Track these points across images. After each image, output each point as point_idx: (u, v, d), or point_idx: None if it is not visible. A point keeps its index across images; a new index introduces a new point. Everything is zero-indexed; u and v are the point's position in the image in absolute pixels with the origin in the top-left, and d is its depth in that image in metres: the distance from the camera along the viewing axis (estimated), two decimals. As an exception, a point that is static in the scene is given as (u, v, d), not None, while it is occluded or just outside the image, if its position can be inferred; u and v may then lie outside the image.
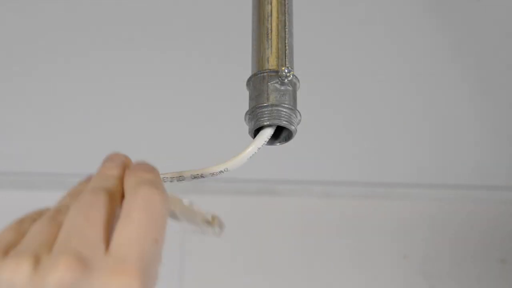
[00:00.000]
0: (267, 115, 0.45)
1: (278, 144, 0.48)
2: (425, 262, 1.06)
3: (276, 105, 0.45)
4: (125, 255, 0.34)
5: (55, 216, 0.37)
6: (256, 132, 0.46)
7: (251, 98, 0.47)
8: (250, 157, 0.46)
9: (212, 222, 0.42)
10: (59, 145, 1.01)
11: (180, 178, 0.46)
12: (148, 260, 0.34)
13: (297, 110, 0.46)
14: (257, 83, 0.46)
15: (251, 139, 0.47)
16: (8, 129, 0.99)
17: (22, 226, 0.38)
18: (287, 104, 0.45)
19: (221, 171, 0.45)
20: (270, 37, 0.48)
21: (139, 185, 0.37)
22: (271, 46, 0.48)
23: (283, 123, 0.45)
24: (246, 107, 0.47)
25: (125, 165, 0.41)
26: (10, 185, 1.06)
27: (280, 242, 1.07)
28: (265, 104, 0.45)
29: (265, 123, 0.45)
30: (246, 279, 1.06)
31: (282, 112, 0.45)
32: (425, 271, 1.05)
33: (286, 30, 0.48)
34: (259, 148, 0.46)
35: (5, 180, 1.05)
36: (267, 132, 0.46)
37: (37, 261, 0.34)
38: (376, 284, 1.05)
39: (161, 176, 0.43)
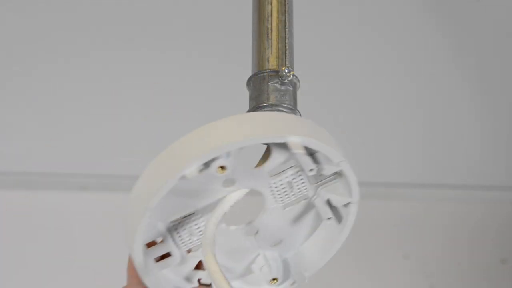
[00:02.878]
0: (267, 115, 0.45)
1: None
2: (425, 262, 1.06)
3: (277, 105, 0.45)
4: None
5: None
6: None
7: (251, 98, 0.46)
8: None
9: None
10: (59, 145, 1.01)
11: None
12: None
13: (297, 110, 0.46)
14: (257, 83, 0.46)
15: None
16: (8, 129, 0.99)
17: None
18: (287, 104, 0.45)
19: None
20: (270, 37, 0.48)
21: None
22: (271, 46, 0.47)
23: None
24: (246, 107, 0.47)
25: None
26: (10, 185, 1.05)
27: (280, 242, 1.07)
28: (265, 104, 0.45)
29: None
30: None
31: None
32: (425, 271, 1.05)
33: (286, 30, 0.48)
34: None
35: (5, 180, 1.05)
36: None
37: None
38: (376, 284, 1.05)
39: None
